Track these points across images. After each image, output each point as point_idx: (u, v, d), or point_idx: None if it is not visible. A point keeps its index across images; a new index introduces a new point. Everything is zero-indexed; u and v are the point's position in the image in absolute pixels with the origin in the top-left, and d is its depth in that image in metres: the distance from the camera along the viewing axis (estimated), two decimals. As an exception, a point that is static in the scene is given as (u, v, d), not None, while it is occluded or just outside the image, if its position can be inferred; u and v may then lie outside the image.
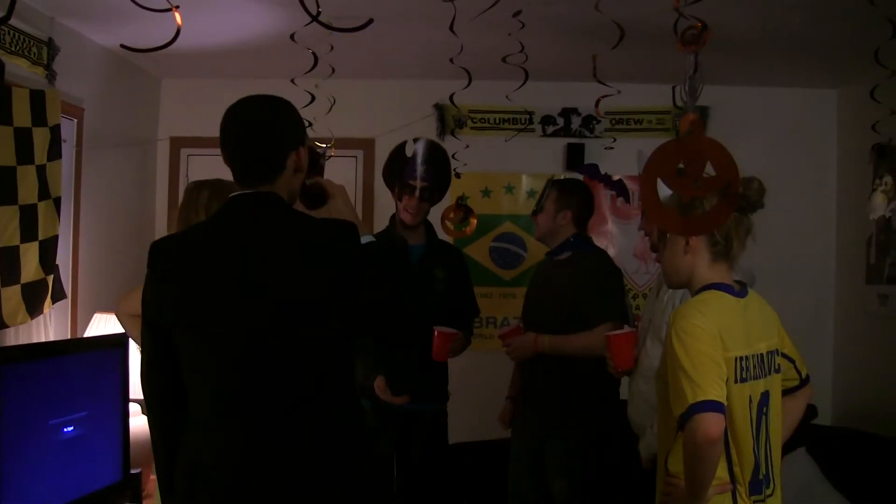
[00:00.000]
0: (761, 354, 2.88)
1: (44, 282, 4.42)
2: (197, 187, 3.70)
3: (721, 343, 2.72)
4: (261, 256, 2.59)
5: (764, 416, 2.87)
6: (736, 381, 2.76)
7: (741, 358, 2.78)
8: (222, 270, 2.61)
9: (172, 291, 2.66)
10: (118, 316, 4.24)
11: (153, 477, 4.05)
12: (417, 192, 4.62)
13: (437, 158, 4.73)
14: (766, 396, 2.88)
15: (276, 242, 2.61)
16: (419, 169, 4.61)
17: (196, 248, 2.70)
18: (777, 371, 2.97)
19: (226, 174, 3.75)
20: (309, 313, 2.56)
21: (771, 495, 2.90)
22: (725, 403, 2.67)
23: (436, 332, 4.49)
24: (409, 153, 4.68)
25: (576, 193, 4.71)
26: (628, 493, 4.34)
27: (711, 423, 2.60)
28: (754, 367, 2.83)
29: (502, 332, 4.74)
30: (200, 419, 2.64)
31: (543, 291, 4.71)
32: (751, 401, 2.82)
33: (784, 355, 3.03)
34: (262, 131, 2.73)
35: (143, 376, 2.78)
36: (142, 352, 2.80)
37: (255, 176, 2.71)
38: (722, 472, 2.77)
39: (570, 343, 4.48)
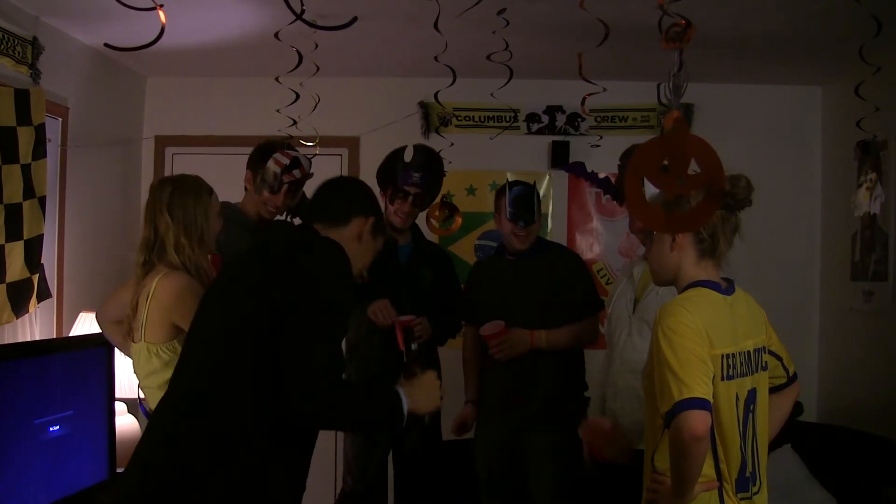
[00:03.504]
0: (748, 352, 2.88)
1: (29, 281, 4.41)
2: (160, 185, 3.69)
3: (707, 340, 2.72)
4: (248, 270, 2.94)
5: (751, 414, 2.87)
6: (723, 379, 2.76)
7: (728, 355, 2.78)
8: (232, 267, 3.07)
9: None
10: (100, 325, 4.15)
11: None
12: (410, 198, 4.65)
13: (434, 167, 4.78)
14: (753, 394, 2.88)
15: (267, 256, 2.96)
16: (415, 176, 4.64)
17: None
18: (764, 368, 2.97)
19: (210, 173, 3.76)
20: (235, 314, 2.82)
21: (757, 493, 2.90)
22: (711, 401, 2.68)
23: (395, 324, 4.48)
24: (407, 158, 4.70)
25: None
26: (612, 484, 4.35)
27: (697, 420, 2.60)
28: (741, 364, 2.83)
29: (487, 331, 4.59)
30: None
31: (520, 292, 4.65)
32: (738, 398, 2.82)
33: (771, 353, 3.04)
34: (344, 188, 3.31)
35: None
36: None
37: (315, 213, 3.14)
38: (709, 469, 2.77)
39: (563, 336, 4.51)
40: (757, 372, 2.91)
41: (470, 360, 4.93)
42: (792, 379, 3.13)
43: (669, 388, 2.66)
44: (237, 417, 2.68)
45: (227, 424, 2.68)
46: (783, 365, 3.08)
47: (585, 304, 4.60)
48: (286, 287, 2.73)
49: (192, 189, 3.59)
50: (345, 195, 3.19)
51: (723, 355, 2.76)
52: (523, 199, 4.58)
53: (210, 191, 3.62)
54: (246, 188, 4.41)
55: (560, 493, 4.50)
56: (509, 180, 4.81)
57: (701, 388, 2.64)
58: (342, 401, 2.75)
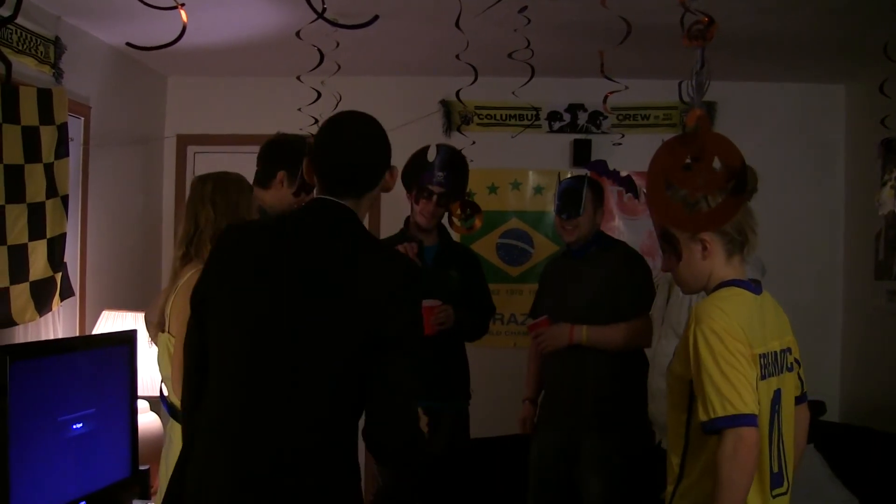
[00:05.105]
0: (775, 352, 2.86)
1: (52, 279, 4.43)
2: (201, 180, 3.71)
3: (746, 340, 2.69)
4: (312, 263, 2.54)
5: (776, 415, 2.85)
6: (761, 378, 2.75)
7: (762, 355, 2.76)
8: (271, 265, 2.57)
9: (218, 267, 2.66)
10: (146, 325, 4.18)
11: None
12: (435, 198, 4.69)
13: (457, 166, 4.80)
14: (777, 394, 2.85)
15: (332, 256, 2.56)
16: (439, 175, 4.68)
17: (259, 236, 2.69)
18: (790, 370, 2.94)
19: (230, 170, 3.76)
20: (329, 331, 2.49)
21: (784, 494, 2.87)
22: (756, 412, 2.65)
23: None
24: (430, 158, 4.74)
25: (601, 190, 4.75)
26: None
27: (749, 442, 2.60)
28: (770, 364, 2.82)
29: (530, 323, 4.69)
30: (206, 403, 2.61)
31: (572, 286, 4.65)
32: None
33: (795, 359, 3.02)
34: (369, 147, 2.71)
35: (184, 347, 2.80)
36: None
37: (347, 188, 2.66)
38: None
39: (607, 335, 4.46)
40: (782, 373, 2.89)
41: (532, 358, 4.95)
42: (803, 396, 3.09)
43: (710, 399, 2.63)
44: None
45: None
46: (800, 376, 3.05)
47: (634, 305, 4.51)
48: (392, 324, 2.50)
49: (234, 183, 3.62)
50: (375, 149, 2.73)
51: (759, 355, 2.74)
52: (568, 193, 4.59)
53: (251, 188, 3.65)
54: (266, 184, 4.37)
55: None
56: (561, 177, 4.84)
57: (746, 401, 2.62)
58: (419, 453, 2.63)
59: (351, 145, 2.67)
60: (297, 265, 2.54)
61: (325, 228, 2.60)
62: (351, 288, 2.51)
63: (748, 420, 2.61)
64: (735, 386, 2.62)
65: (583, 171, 5.08)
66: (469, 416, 4.89)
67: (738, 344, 2.67)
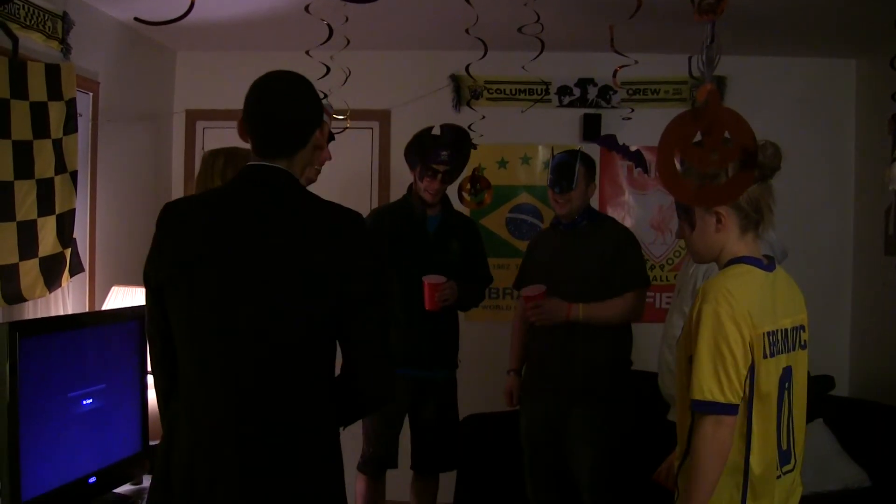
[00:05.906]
0: (786, 329, 2.84)
1: (61, 255, 4.44)
2: (213, 155, 3.71)
3: (751, 322, 2.68)
4: (262, 230, 2.55)
5: (786, 392, 2.84)
6: (765, 357, 2.74)
7: (769, 333, 2.75)
8: (220, 238, 2.57)
9: (168, 249, 2.65)
10: None
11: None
12: (440, 176, 4.77)
13: (461, 143, 4.88)
14: (788, 372, 2.84)
15: (281, 220, 2.57)
16: (443, 154, 4.73)
17: (201, 212, 2.68)
18: (802, 347, 2.93)
19: (241, 145, 3.75)
20: (293, 297, 2.50)
21: (791, 471, 2.87)
22: (737, 402, 2.66)
23: (424, 283, 4.65)
24: (435, 136, 4.80)
25: (593, 165, 4.76)
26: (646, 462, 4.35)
27: (726, 428, 2.63)
28: (779, 341, 2.81)
29: (527, 292, 4.66)
30: (182, 385, 2.60)
31: (564, 260, 4.68)
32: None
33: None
34: (296, 104, 2.69)
35: (146, 335, 2.80)
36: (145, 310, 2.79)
37: (278, 147, 2.67)
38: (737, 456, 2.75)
39: (602, 311, 4.50)
40: (794, 350, 2.88)
41: (517, 329, 4.97)
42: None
43: (692, 382, 2.66)
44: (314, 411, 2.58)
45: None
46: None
47: (628, 279, 4.57)
48: (357, 279, 2.53)
49: (245, 158, 3.61)
50: (303, 105, 2.70)
51: (765, 333, 2.73)
52: (561, 167, 4.62)
53: None
54: None
55: (598, 477, 4.52)
56: (554, 151, 4.88)
57: (725, 391, 2.63)
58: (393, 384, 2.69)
59: (278, 102, 2.68)
60: (250, 238, 2.54)
61: (269, 196, 2.61)
62: (312, 253, 2.53)
63: (724, 409, 2.64)
64: (718, 376, 2.64)
65: (585, 146, 5.10)
66: (457, 383, 4.97)
67: (737, 333, 2.66)
